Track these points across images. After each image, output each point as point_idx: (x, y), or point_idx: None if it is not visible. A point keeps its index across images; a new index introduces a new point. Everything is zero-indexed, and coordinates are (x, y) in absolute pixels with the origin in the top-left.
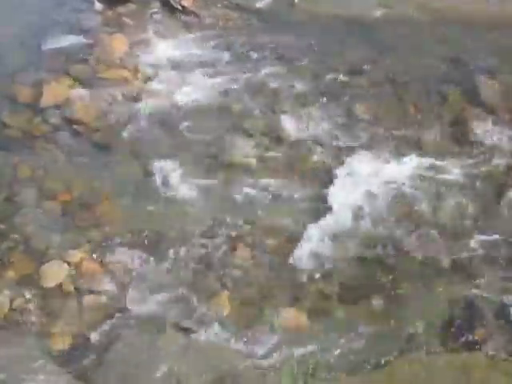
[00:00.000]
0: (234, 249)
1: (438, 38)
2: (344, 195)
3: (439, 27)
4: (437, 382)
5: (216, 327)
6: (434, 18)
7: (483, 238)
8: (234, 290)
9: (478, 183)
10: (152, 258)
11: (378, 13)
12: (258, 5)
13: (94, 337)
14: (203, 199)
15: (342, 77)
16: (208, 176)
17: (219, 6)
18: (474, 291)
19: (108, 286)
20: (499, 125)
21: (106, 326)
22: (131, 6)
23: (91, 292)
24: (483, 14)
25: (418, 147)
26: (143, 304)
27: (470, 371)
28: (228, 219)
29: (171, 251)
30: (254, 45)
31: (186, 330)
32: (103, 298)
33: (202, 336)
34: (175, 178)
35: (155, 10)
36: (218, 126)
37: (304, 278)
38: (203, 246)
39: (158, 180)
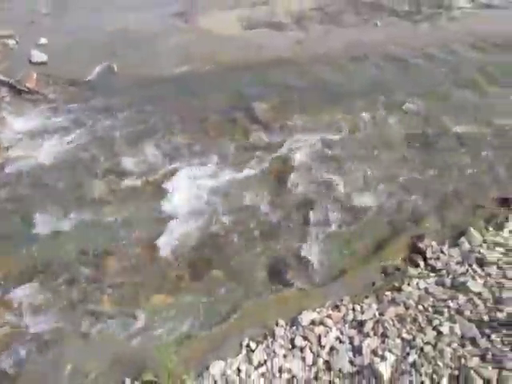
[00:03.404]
0: (106, 263)
1: (226, 81)
2: (180, 203)
3: (226, 74)
4: (271, 313)
5: (105, 325)
6: (222, 68)
7: (277, 212)
8: (112, 292)
9: (268, 176)
10: (41, 287)
11: (184, 68)
12: (89, 77)
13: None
14: (76, 231)
15: (161, 119)
16: (76, 213)
17: (58, 83)
18: (281, 247)
19: (8, 318)
20: (271, 133)
21: (12, 351)
22: None
23: None
24: (250, 58)
25: (221, 159)
26: (41, 324)
27: (289, 301)
28: (97, 242)
29: (56, 277)
30: (90, 108)
31: (84, 334)
32: (6, 329)
33: (97, 335)
34: (49, 220)
35: (4, 94)
36: (76, 174)
37: (164, 269)
38: (81, 266)
39: (36, 224)
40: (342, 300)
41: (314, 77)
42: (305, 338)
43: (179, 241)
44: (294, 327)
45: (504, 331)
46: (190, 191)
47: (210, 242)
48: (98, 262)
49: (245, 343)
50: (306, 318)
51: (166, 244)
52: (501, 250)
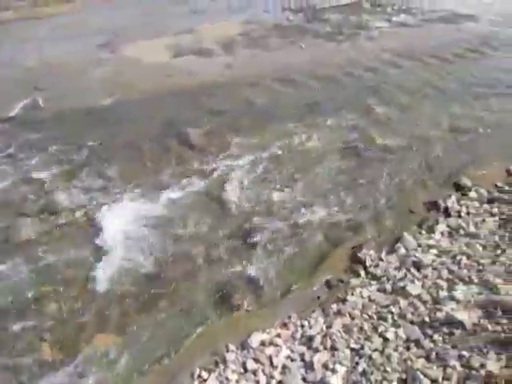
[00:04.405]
0: (43, 308)
1: (157, 108)
2: (118, 236)
3: (157, 101)
4: (221, 338)
5: (48, 374)
6: (152, 96)
7: (220, 235)
8: (52, 338)
9: (207, 200)
10: None
11: (112, 99)
12: (11, 114)
13: None
14: (9, 275)
15: (91, 152)
16: (7, 256)
17: None
18: (225, 271)
19: None
20: (207, 158)
21: None
22: None
23: None
24: (180, 84)
25: (158, 187)
26: None
27: (237, 324)
28: (31, 283)
29: None
30: (16, 145)
31: None
32: None
33: None
34: None
35: None
36: (5, 216)
37: (105, 306)
38: (16, 313)
39: None
40: (290, 317)
41: (244, 99)
42: (256, 361)
43: (120, 275)
44: (245, 350)
45: (444, 330)
46: (127, 223)
47: (152, 274)
48: (34, 306)
49: (196, 373)
50: (256, 339)
51: (105, 280)
52: (434, 251)
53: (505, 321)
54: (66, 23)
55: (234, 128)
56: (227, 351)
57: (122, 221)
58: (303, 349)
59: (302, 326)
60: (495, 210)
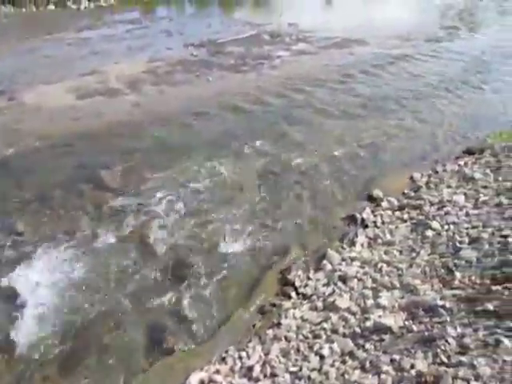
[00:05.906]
0: None
1: (65, 154)
2: (30, 295)
3: (64, 147)
4: None
5: None
6: (58, 142)
7: (147, 277)
8: None
9: (131, 243)
10: None
11: (9, 151)
12: None
13: None
14: None
15: None
16: None
17: None
18: (156, 316)
19: None
20: (124, 197)
21: None
22: None
23: None
24: (88, 127)
25: (76, 235)
26: None
27: (173, 367)
28: None
29: None
30: None
31: None
32: None
33: None
34: None
35: None
36: None
37: (25, 374)
38: None
39: None
40: (227, 351)
41: (156, 136)
42: None
43: (40, 337)
44: None
45: (375, 337)
46: (43, 279)
47: (75, 331)
48: None
49: None
50: (195, 379)
51: (24, 345)
52: (357, 263)
53: (426, 319)
54: None
55: (149, 166)
56: None
57: (38, 277)
58: (244, 381)
59: (241, 358)
60: (406, 215)
